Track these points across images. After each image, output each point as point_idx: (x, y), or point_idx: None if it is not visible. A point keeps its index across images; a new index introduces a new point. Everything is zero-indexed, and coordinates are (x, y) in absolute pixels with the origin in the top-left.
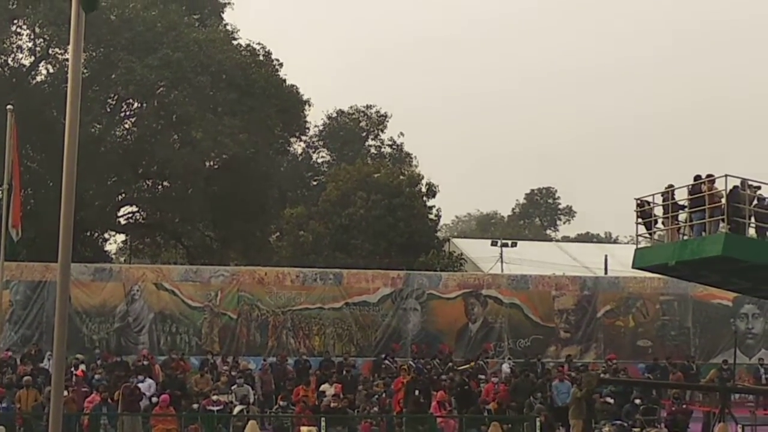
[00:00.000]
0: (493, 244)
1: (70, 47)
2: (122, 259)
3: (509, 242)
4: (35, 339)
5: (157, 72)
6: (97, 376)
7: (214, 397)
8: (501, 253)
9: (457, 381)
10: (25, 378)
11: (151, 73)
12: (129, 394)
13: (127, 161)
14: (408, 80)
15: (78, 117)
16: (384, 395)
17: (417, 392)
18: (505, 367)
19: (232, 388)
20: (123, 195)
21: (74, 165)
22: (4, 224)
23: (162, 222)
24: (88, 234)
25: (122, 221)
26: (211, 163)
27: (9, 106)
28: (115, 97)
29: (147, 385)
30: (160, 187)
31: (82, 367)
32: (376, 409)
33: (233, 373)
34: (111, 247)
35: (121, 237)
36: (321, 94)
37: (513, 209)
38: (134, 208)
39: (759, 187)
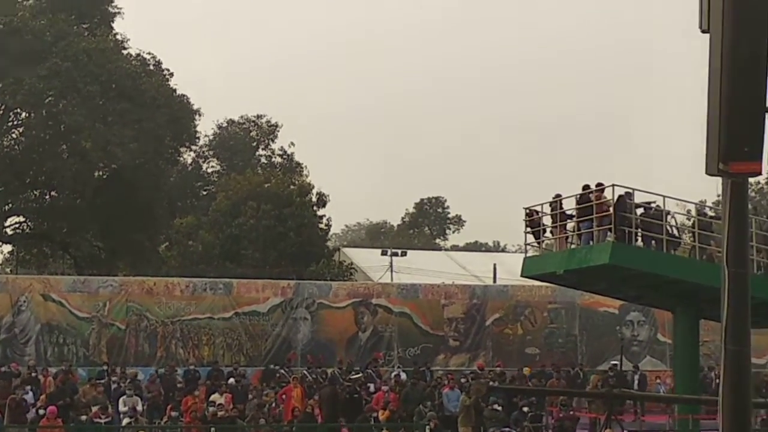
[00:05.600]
0: (383, 253)
1: None
2: (8, 270)
3: (399, 251)
4: None
5: (46, 81)
6: None
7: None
8: (391, 263)
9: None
10: None
11: (39, 82)
12: (15, 407)
13: (14, 171)
14: (302, 89)
15: None
16: (274, 405)
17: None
18: (401, 375)
19: (121, 398)
20: (10, 205)
21: None
22: None
23: (49, 232)
24: None
25: (9, 231)
26: (100, 173)
27: None
28: (3, 107)
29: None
30: (47, 197)
31: None
32: (262, 420)
33: (122, 384)
34: None
35: (7, 247)
36: (211, 104)
37: (403, 218)
38: (21, 219)
39: (649, 203)
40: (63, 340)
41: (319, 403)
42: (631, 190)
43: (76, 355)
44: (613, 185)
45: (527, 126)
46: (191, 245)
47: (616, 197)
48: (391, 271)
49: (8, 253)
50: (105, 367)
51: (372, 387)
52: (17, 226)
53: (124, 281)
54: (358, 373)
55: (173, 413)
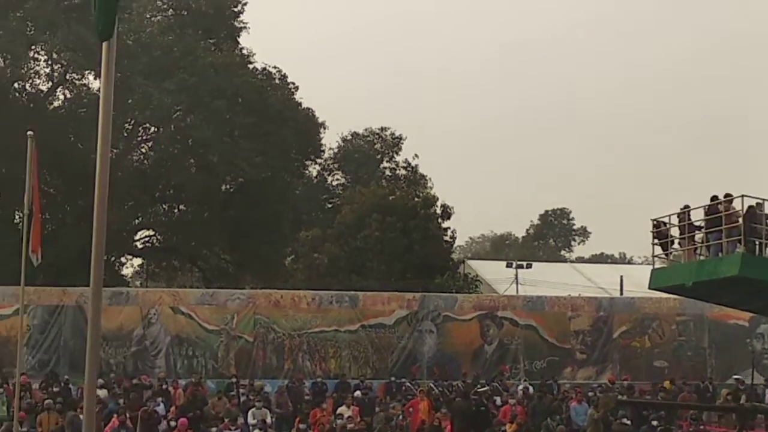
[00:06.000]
0: (508, 265)
1: (101, 75)
2: (138, 283)
3: (524, 263)
4: (52, 363)
5: (174, 96)
6: (120, 401)
7: (232, 423)
8: (516, 275)
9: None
10: (46, 402)
11: (167, 97)
12: (147, 419)
13: (143, 185)
14: (424, 101)
15: (109, 144)
16: (401, 418)
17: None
18: (528, 389)
19: (250, 411)
20: (139, 219)
21: (105, 192)
22: (24, 249)
23: (178, 246)
24: (105, 258)
25: (139, 245)
26: (227, 186)
27: (29, 132)
28: (132, 122)
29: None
30: (176, 210)
31: (101, 392)
32: None
33: (250, 396)
34: (127, 270)
35: (137, 261)
36: (336, 117)
37: (527, 230)
38: (150, 232)
39: None
40: (192, 352)
41: (450, 417)
42: (761, 201)
43: (205, 367)
44: (742, 196)
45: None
46: (317, 258)
47: (745, 208)
48: (517, 283)
49: (138, 266)
50: (233, 380)
51: (498, 400)
52: (147, 239)
53: (251, 294)
54: (485, 386)
55: (301, 426)
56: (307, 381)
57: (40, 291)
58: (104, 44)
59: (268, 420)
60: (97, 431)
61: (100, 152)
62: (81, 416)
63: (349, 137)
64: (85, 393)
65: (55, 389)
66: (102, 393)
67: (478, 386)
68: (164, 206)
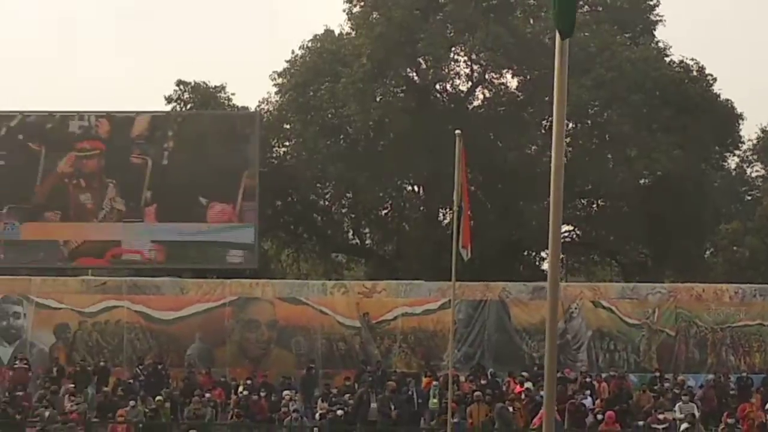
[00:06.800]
0: None
1: (555, 72)
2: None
3: None
4: (477, 357)
5: (591, 92)
6: (542, 393)
7: (660, 416)
8: None
9: None
10: (476, 393)
11: (584, 93)
12: (574, 411)
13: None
14: None
15: (563, 140)
16: None
17: None
18: None
19: (677, 405)
20: None
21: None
22: (454, 245)
23: (597, 240)
24: (526, 253)
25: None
26: (645, 180)
27: (457, 131)
28: (549, 119)
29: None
30: (594, 206)
31: (528, 384)
32: None
33: (676, 391)
34: (547, 265)
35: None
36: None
37: None
38: (569, 227)
39: None
40: (614, 346)
41: None
42: None
43: (627, 361)
44: None
45: None
46: (737, 251)
47: None
48: None
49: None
50: (656, 374)
51: None
52: (566, 234)
53: (672, 288)
54: None
55: (729, 420)
56: (732, 376)
57: (464, 286)
58: (557, 42)
59: (696, 414)
60: (523, 423)
61: (555, 151)
62: (509, 408)
63: None
64: (546, 384)
65: (482, 381)
66: (528, 385)
67: None
68: (583, 201)
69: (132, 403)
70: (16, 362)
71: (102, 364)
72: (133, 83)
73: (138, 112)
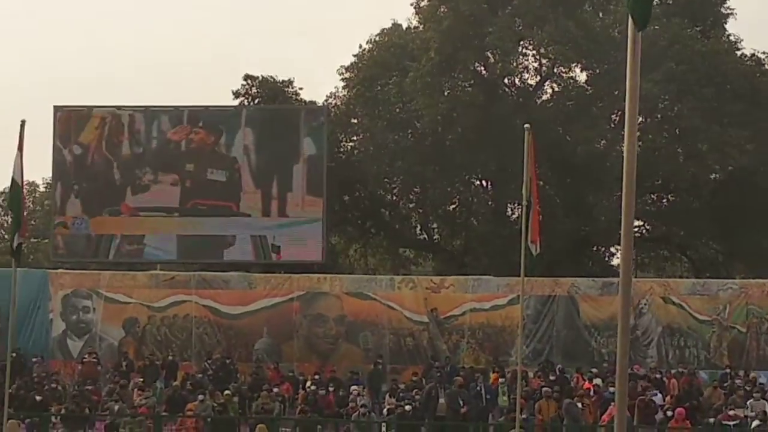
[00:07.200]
0: None
1: (627, 65)
2: None
3: None
4: (546, 353)
5: (661, 86)
6: (611, 389)
7: (731, 412)
8: None
9: None
10: (544, 389)
11: (654, 87)
12: (644, 407)
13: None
14: None
15: (635, 135)
16: None
17: None
18: None
19: (748, 402)
20: None
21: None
22: (523, 240)
23: (667, 235)
24: (595, 249)
25: None
26: (716, 175)
27: (526, 125)
28: (619, 113)
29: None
30: (664, 200)
31: (597, 380)
32: None
33: (747, 388)
34: (616, 261)
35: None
36: None
37: None
38: (639, 222)
39: None
40: (684, 342)
41: None
42: None
43: (697, 357)
44: None
45: None
46: None
47: None
48: None
49: None
50: (727, 371)
51: None
52: (636, 229)
53: (743, 284)
54: None
55: None
56: None
57: (532, 281)
58: (630, 32)
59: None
60: (592, 419)
61: (627, 146)
62: (578, 404)
63: None
64: (616, 382)
65: (551, 377)
66: (597, 381)
67: None
68: (652, 196)
69: (201, 397)
70: (86, 356)
71: (170, 358)
72: (202, 78)
73: (207, 107)
